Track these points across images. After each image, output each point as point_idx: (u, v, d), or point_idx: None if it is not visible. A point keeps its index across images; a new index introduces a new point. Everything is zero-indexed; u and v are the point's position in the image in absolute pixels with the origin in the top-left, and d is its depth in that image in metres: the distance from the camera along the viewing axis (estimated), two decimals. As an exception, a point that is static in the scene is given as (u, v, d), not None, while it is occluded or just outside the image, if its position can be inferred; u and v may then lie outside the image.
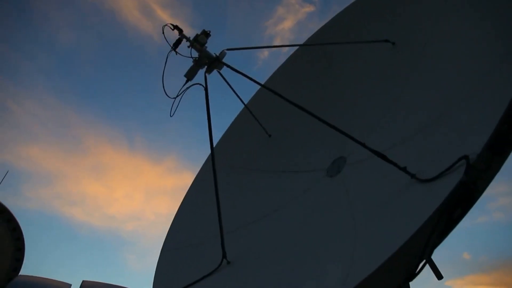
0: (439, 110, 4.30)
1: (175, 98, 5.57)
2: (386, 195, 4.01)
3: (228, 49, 5.53)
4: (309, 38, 8.07)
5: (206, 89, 5.52)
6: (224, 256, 5.68)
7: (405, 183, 3.76)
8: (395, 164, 3.77)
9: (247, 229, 6.53)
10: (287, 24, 22.31)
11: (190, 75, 5.57)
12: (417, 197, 3.49)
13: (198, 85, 5.71)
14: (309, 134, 7.32)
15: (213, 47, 5.44)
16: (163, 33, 5.26)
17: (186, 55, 5.52)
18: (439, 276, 5.79)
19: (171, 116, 5.66)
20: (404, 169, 3.73)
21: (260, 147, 8.29)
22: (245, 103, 8.38)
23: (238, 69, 5.17)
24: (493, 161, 3.18)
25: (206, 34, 5.42)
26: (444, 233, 3.06)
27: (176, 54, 5.47)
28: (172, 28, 5.28)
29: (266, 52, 23.75)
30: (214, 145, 6.36)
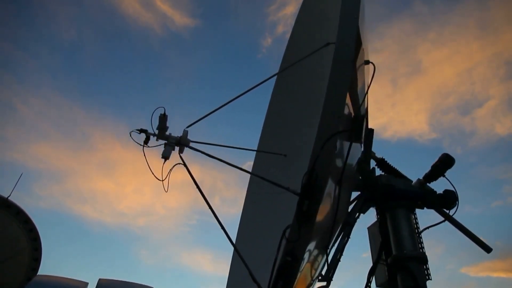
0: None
1: (163, 180, 6.46)
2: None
3: (188, 127, 6.38)
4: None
5: (185, 166, 6.34)
6: (259, 287, 6.47)
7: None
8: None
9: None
10: (290, 9, 21.69)
11: (166, 155, 6.41)
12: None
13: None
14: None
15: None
16: (131, 136, 6.25)
17: (158, 143, 6.45)
18: (488, 250, 5.95)
19: (166, 192, 6.51)
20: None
21: (281, 168, 8.87)
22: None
23: (203, 150, 6.01)
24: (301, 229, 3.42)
25: (163, 116, 6.21)
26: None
27: (149, 147, 6.44)
28: (139, 132, 6.26)
29: (269, 39, 23.44)
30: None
